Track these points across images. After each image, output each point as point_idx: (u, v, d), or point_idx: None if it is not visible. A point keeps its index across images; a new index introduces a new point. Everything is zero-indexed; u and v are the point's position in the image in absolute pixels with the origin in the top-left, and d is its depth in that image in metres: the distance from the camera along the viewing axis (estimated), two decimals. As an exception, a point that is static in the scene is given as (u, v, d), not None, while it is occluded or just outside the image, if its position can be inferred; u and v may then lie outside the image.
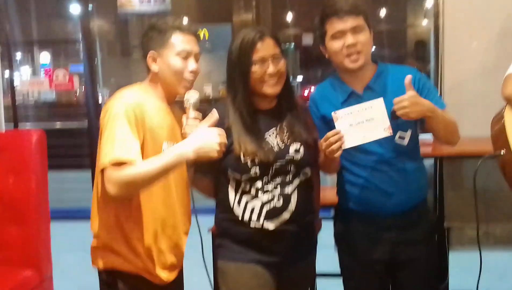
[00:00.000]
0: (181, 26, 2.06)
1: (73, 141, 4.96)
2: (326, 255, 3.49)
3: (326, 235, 3.72)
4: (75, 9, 12.87)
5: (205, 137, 1.89)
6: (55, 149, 3.32)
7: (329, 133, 2.05)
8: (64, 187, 3.65)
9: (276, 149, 2.11)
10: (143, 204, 2.03)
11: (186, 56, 2.04)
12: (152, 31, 2.07)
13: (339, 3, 2.13)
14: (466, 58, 3.32)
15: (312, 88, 14.99)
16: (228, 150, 2.07)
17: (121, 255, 2.03)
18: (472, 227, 3.23)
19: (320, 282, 3.33)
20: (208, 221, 2.31)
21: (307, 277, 2.34)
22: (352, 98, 2.22)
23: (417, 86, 2.20)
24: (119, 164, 1.86)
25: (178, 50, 2.03)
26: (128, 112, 1.91)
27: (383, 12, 12.40)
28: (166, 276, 2.14)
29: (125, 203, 2.00)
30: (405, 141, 2.24)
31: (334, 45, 2.16)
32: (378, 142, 2.12)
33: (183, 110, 2.08)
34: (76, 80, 4.09)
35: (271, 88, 2.09)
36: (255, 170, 2.07)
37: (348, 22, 2.11)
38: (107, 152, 1.88)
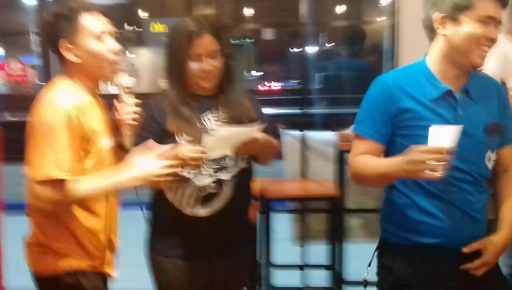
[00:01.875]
0: (87, 6, 1.86)
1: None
2: (282, 247, 3.57)
3: (282, 228, 3.80)
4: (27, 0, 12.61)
5: (151, 172, 1.81)
6: (7, 142, 3.25)
7: (435, 148, 1.64)
8: (17, 181, 3.56)
9: (212, 130, 2.11)
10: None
11: (103, 36, 1.86)
12: (56, 20, 1.84)
13: None
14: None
15: (267, 83, 15.05)
16: (163, 133, 2.08)
17: (76, 254, 1.89)
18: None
19: (276, 274, 3.39)
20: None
21: (241, 270, 2.30)
22: (446, 98, 1.84)
23: (502, 104, 1.92)
24: (52, 182, 1.72)
25: (93, 32, 1.84)
26: (63, 119, 1.74)
27: (340, 9, 12.56)
28: (112, 272, 2.04)
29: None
30: (490, 165, 1.90)
31: (477, 30, 1.76)
32: (465, 157, 1.79)
33: (111, 97, 1.97)
34: (31, 72, 3.99)
35: (205, 83, 2.12)
36: None
37: (501, 13, 1.79)
38: (37, 166, 1.72)
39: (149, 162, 1.81)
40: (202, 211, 2.10)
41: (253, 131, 2.04)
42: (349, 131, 3.23)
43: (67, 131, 1.74)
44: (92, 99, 1.90)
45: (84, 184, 1.77)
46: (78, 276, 1.86)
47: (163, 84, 2.18)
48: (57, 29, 1.84)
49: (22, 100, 11.19)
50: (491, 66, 2.45)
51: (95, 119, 1.86)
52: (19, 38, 14.46)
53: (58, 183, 1.73)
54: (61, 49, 1.84)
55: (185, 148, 2.00)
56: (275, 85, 14.20)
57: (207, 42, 2.07)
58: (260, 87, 13.52)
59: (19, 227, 3.33)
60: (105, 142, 1.90)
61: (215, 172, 2.09)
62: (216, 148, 2.01)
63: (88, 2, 1.89)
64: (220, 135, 2.00)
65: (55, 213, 1.83)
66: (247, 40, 14.07)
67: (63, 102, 1.76)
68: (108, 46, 1.86)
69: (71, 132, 1.75)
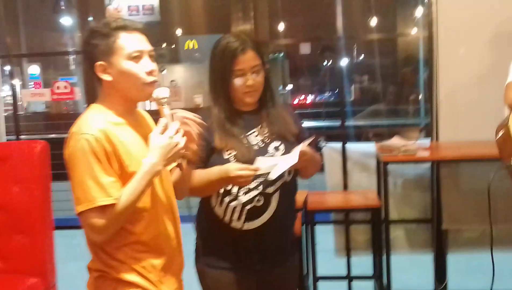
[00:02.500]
0: (125, 25, 1.79)
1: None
2: (325, 259, 3.58)
3: (324, 239, 3.81)
4: (65, 21, 12.99)
5: (164, 144, 1.76)
6: (54, 159, 3.35)
7: None
8: (65, 197, 3.66)
9: (256, 147, 2.15)
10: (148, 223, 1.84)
11: (138, 57, 1.79)
12: (94, 38, 1.78)
13: None
14: (460, 65, 3.39)
15: (301, 97, 15.10)
16: (211, 150, 2.13)
17: (136, 284, 1.81)
18: (469, 229, 3.31)
19: (321, 285, 3.39)
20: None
21: (289, 281, 2.31)
22: None
23: None
24: (101, 208, 1.69)
25: (128, 52, 1.77)
26: (95, 147, 1.70)
27: (374, 21, 12.55)
28: None
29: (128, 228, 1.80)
30: None
31: None
32: None
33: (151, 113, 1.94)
34: (77, 90, 4.14)
35: (249, 98, 2.15)
36: None
37: None
38: (84, 197, 1.69)
39: (163, 138, 1.77)
40: (249, 225, 2.12)
41: (298, 155, 2.04)
42: (390, 142, 3.24)
43: (101, 156, 1.71)
44: (127, 120, 1.84)
45: (123, 194, 1.73)
46: None
47: (198, 99, 2.20)
48: (93, 47, 1.78)
49: (64, 117, 11.55)
50: None
51: (130, 142, 1.80)
52: (56, 59, 14.84)
53: (109, 209, 1.70)
54: (96, 68, 1.79)
55: (235, 166, 2.03)
56: (309, 98, 14.24)
57: (250, 57, 2.12)
58: (294, 101, 13.55)
59: (64, 241, 3.43)
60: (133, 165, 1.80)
61: (260, 185, 2.11)
62: (267, 168, 2.04)
63: (127, 21, 1.82)
64: (271, 163, 2.02)
65: (109, 246, 1.79)
66: (280, 54, 14.15)
67: (89, 129, 1.72)
68: (143, 67, 1.79)
69: (105, 157, 1.71)
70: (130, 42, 1.78)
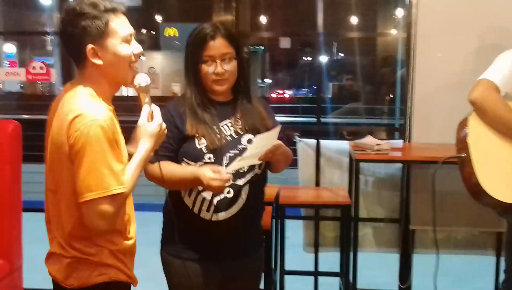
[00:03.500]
0: (114, 7, 1.76)
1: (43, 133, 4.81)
2: (294, 254, 3.61)
3: (294, 234, 3.84)
4: (44, 0, 12.80)
5: (155, 132, 1.82)
6: (27, 141, 3.30)
7: None
8: (34, 179, 3.62)
9: (229, 138, 2.15)
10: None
11: (130, 40, 1.79)
12: (82, 20, 1.70)
13: None
14: (436, 69, 3.43)
15: (279, 91, 15.13)
16: (183, 138, 2.13)
17: (113, 266, 1.83)
18: (436, 231, 3.36)
19: (288, 280, 3.42)
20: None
21: (253, 273, 2.33)
22: None
23: None
24: (112, 196, 1.68)
25: (123, 36, 1.76)
26: (108, 134, 1.68)
27: (354, 20, 12.61)
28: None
29: None
30: None
31: None
32: None
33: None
34: (53, 72, 4.07)
35: (218, 86, 2.16)
36: (209, 156, 2.10)
37: None
38: (99, 184, 1.66)
39: (154, 126, 1.83)
40: (218, 216, 2.13)
41: (275, 136, 2.07)
42: (364, 140, 3.27)
43: (112, 143, 1.70)
44: (111, 106, 1.82)
45: (128, 179, 1.76)
46: (110, 286, 1.81)
47: (176, 88, 2.19)
48: (82, 30, 1.71)
49: (39, 98, 11.39)
50: (498, 77, 2.41)
51: (118, 129, 1.79)
52: (35, 38, 14.62)
53: (118, 196, 1.70)
54: (87, 52, 1.73)
55: (208, 175, 2.01)
56: (287, 93, 14.27)
57: (220, 44, 2.12)
58: (272, 95, 13.57)
59: (31, 224, 3.39)
60: (125, 153, 1.84)
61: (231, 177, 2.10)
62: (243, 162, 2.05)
63: (113, 3, 1.77)
64: (250, 151, 2.02)
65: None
66: (260, 47, 14.16)
67: (99, 115, 1.69)
68: (134, 49, 1.80)
69: (112, 145, 1.70)
70: (122, 25, 1.77)
